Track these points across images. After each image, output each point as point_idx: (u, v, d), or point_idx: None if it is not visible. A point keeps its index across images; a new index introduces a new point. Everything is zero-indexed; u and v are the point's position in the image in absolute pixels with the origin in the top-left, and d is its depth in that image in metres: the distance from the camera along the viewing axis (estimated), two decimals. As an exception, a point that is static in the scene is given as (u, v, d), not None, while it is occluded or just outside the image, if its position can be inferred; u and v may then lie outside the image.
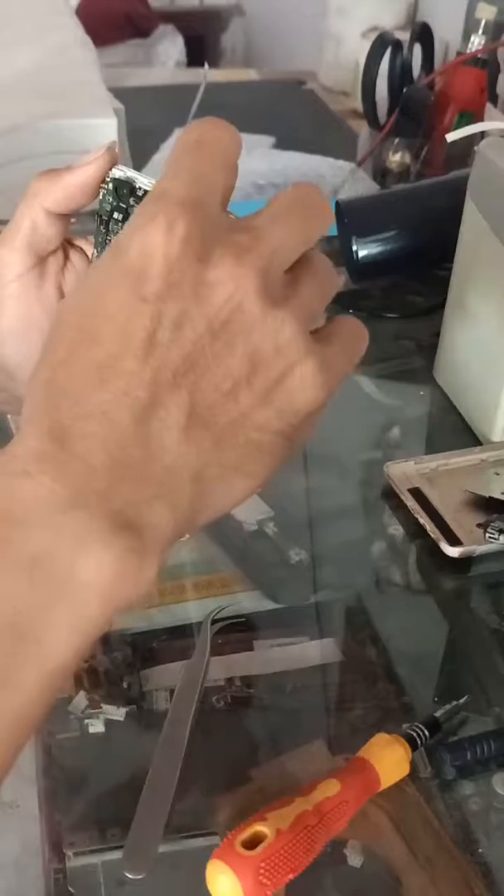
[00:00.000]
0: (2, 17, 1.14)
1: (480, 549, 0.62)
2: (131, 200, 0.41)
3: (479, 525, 0.64)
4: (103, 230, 0.42)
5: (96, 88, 1.04)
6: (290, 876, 0.43)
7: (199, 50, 2.26)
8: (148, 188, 0.40)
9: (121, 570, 0.31)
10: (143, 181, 0.41)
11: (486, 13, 1.09)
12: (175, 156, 0.36)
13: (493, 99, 1.13)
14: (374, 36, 1.13)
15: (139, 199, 0.41)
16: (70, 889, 0.46)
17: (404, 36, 1.14)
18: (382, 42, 1.09)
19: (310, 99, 1.43)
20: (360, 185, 1.08)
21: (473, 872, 0.47)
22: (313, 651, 0.57)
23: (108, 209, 0.41)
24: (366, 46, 1.12)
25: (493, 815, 0.50)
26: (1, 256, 0.44)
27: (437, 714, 0.52)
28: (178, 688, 0.53)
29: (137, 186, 0.41)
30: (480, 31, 1.10)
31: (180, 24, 2.25)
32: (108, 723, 0.53)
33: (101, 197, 0.41)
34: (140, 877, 0.45)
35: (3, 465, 0.32)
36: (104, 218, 0.42)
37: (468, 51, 1.10)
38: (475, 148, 0.72)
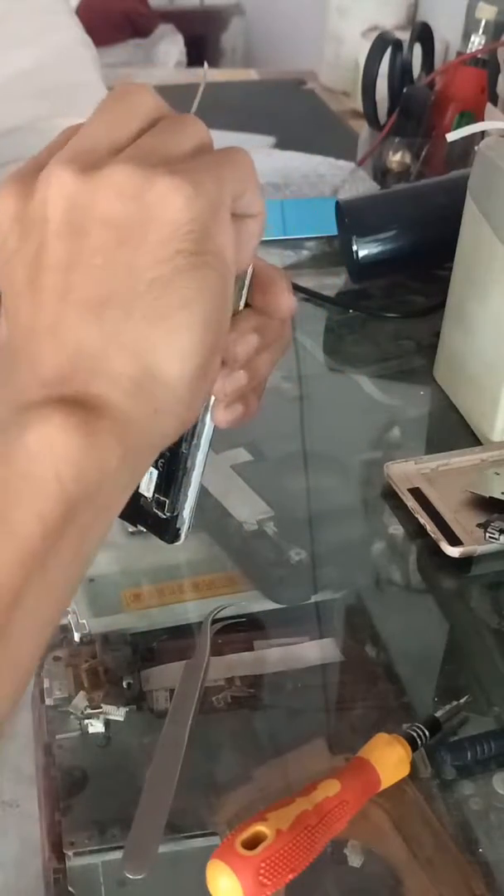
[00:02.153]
0: (1, 17, 1.14)
1: (481, 549, 0.62)
2: None
3: (479, 525, 0.64)
4: None
5: (96, 88, 1.04)
6: (291, 876, 0.43)
7: (199, 50, 2.26)
8: None
9: (65, 440, 0.32)
10: None
11: (486, 13, 1.09)
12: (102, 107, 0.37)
13: (493, 99, 1.13)
14: (374, 36, 1.13)
15: None
16: (70, 889, 0.46)
17: (404, 36, 1.14)
18: (382, 42, 1.09)
19: (310, 99, 1.43)
20: (360, 185, 1.08)
21: (473, 872, 0.47)
22: (313, 651, 0.57)
23: None
24: (366, 46, 1.12)
25: (493, 815, 0.50)
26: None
27: (438, 714, 0.52)
28: (178, 688, 0.53)
29: None
30: (480, 31, 1.10)
31: (180, 23, 2.25)
32: (108, 723, 0.53)
33: None
34: (140, 877, 0.45)
35: None
36: None
37: (468, 51, 1.10)
38: (475, 148, 0.72)
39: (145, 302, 0.34)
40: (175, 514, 0.43)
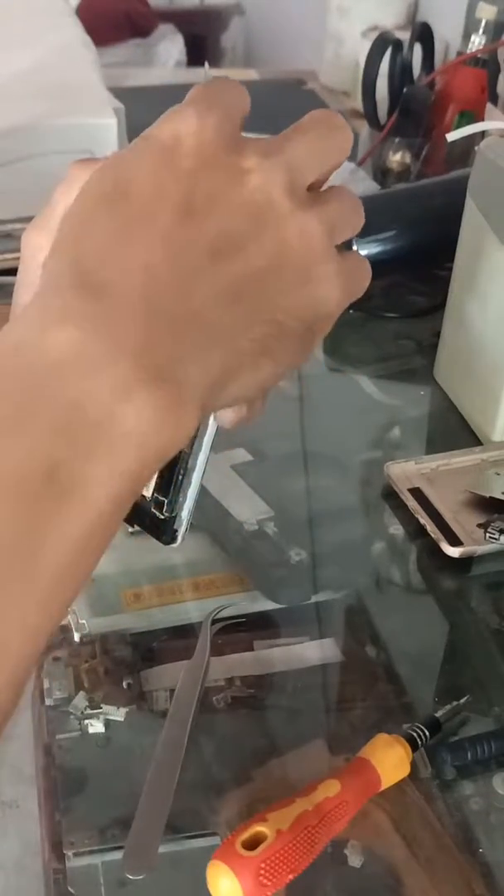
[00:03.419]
0: (2, 17, 1.14)
1: (481, 549, 0.62)
2: None
3: (479, 525, 0.64)
4: None
5: (96, 88, 1.04)
6: (291, 876, 0.43)
7: (200, 50, 2.26)
8: None
9: (160, 419, 0.32)
10: None
11: (486, 13, 1.09)
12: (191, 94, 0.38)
13: (494, 99, 1.13)
14: (374, 36, 1.13)
15: None
16: (70, 889, 0.46)
17: (404, 36, 1.14)
18: (383, 42, 1.09)
19: (310, 99, 1.43)
20: (360, 185, 1.08)
21: (473, 872, 0.47)
22: (313, 651, 0.57)
23: None
24: (366, 46, 1.12)
25: (493, 815, 0.50)
26: (31, 239, 0.43)
27: (438, 714, 0.52)
28: (178, 688, 0.53)
29: None
30: (481, 31, 1.10)
31: (180, 23, 2.25)
32: (108, 723, 0.53)
33: None
34: (140, 877, 0.45)
35: (38, 318, 0.32)
36: None
37: (468, 50, 1.10)
38: (475, 148, 0.72)
39: (263, 330, 0.36)
40: (174, 514, 0.43)
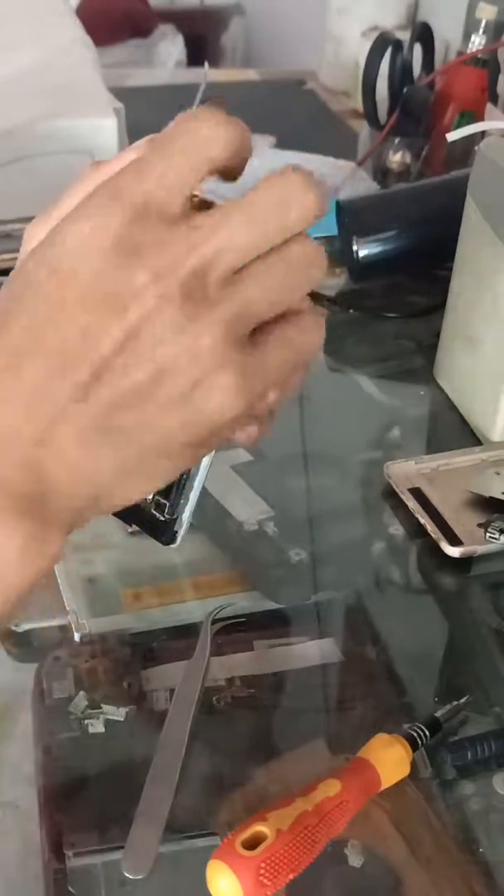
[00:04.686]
0: (2, 18, 1.14)
1: (481, 549, 0.62)
2: None
3: (479, 525, 0.64)
4: None
5: (96, 88, 1.04)
6: (291, 876, 0.43)
7: (200, 50, 2.26)
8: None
9: (21, 555, 0.33)
10: None
11: (486, 13, 1.09)
12: (150, 146, 0.35)
13: (494, 99, 1.13)
14: (374, 36, 1.13)
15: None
16: (70, 889, 0.46)
17: (405, 36, 1.14)
18: (383, 42, 1.09)
19: (310, 99, 1.43)
20: (360, 185, 1.08)
21: (474, 872, 0.47)
22: (313, 651, 0.57)
23: None
24: (366, 46, 1.12)
25: (493, 815, 0.50)
26: (33, 231, 0.41)
27: (438, 714, 0.52)
28: (178, 688, 0.53)
29: None
30: (481, 31, 1.10)
31: (180, 23, 2.25)
32: (108, 723, 0.53)
33: None
34: (140, 877, 0.45)
35: None
36: None
37: (468, 50, 1.10)
38: (476, 148, 0.72)
39: (138, 454, 0.35)
40: (174, 516, 0.43)
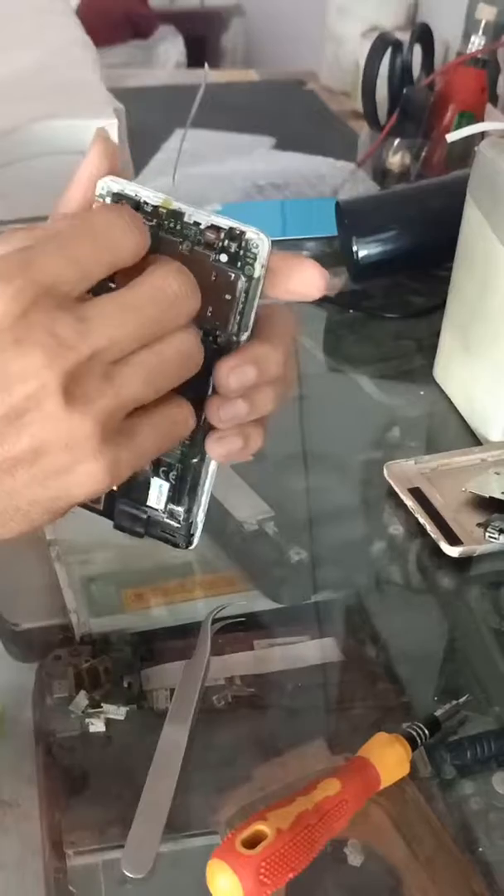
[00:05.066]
0: (2, 18, 1.14)
1: (480, 548, 0.62)
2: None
3: (479, 525, 0.64)
4: None
5: (96, 89, 1.04)
6: (291, 875, 0.43)
7: (200, 50, 2.26)
8: (156, 203, 0.39)
9: None
10: (147, 194, 0.39)
11: (486, 14, 1.09)
12: (74, 224, 0.36)
13: (493, 99, 1.13)
14: (374, 36, 1.13)
15: (149, 214, 0.39)
16: (70, 888, 0.46)
17: (404, 36, 1.14)
18: (382, 42, 1.09)
19: (310, 99, 1.43)
20: (360, 185, 1.08)
21: (473, 872, 0.47)
22: (313, 651, 0.57)
23: None
24: (366, 47, 1.12)
25: (493, 815, 0.50)
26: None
27: (438, 713, 0.52)
28: (179, 687, 0.53)
29: (142, 201, 0.39)
30: (480, 32, 1.10)
31: (180, 24, 2.25)
32: (109, 722, 0.53)
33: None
34: (139, 876, 0.45)
35: None
36: None
37: (468, 51, 1.10)
38: (475, 148, 0.72)
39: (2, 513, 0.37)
40: (189, 521, 0.44)
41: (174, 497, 0.44)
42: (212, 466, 0.43)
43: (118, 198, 0.39)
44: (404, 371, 0.83)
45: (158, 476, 0.43)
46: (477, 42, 1.10)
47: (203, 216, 0.38)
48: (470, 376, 0.75)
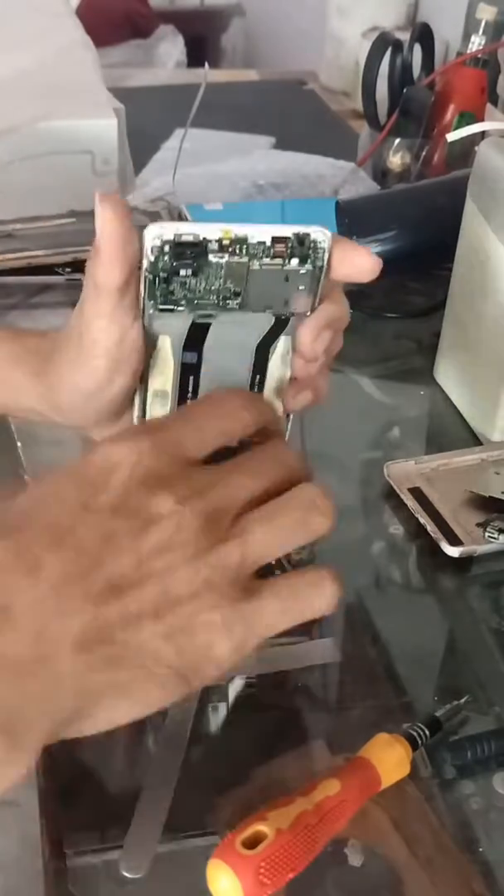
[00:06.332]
0: (2, 18, 1.14)
1: (481, 548, 0.62)
2: (203, 253, 0.39)
3: (478, 525, 0.64)
4: (163, 284, 0.40)
5: (96, 89, 1.04)
6: (291, 875, 0.43)
7: (200, 50, 2.26)
8: (218, 236, 0.39)
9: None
10: (207, 232, 0.39)
11: (486, 13, 1.09)
12: (205, 401, 0.40)
13: (494, 99, 1.13)
14: (374, 36, 1.13)
15: (215, 249, 0.39)
16: (70, 889, 0.46)
17: (404, 36, 1.14)
18: (383, 42, 1.09)
19: (310, 99, 1.43)
20: (360, 185, 1.08)
21: (473, 872, 0.47)
22: (313, 651, 0.57)
23: (168, 269, 0.39)
24: (366, 46, 1.12)
25: (493, 815, 0.50)
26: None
27: (438, 713, 0.52)
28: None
29: (204, 238, 0.39)
30: (481, 32, 1.10)
31: (180, 24, 2.25)
32: (109, 722, 0.53)
33: (152, 259, 0.39)
34: (138, 876, 0.45)
35: None
36: (161, 275, 0.39)
37: (468, 51, 1.10)
38: (475, 148, 0.72)
39: (127, 675, 0.35)
40: None
41: None
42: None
43: (180, 246, 0.39)
44: (404, 371, 0.83)
45: None
46: (477, 42, 1.10)
47: (265, 233, 0.39)
48: (470, 376, 0.75)
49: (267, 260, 0.40)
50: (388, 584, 0.64)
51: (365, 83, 1.12)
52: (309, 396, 0.46)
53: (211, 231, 0.39)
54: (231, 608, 0.36)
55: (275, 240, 0.39)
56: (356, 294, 0.90)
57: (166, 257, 0.39)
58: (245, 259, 0.39)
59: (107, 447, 0.36)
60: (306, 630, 0.59)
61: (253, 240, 0.39)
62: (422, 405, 0.80)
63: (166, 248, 0.38)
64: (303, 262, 0.40)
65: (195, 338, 0.42)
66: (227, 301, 0.41)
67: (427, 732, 0.51)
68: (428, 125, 1.10)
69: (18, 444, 0.71)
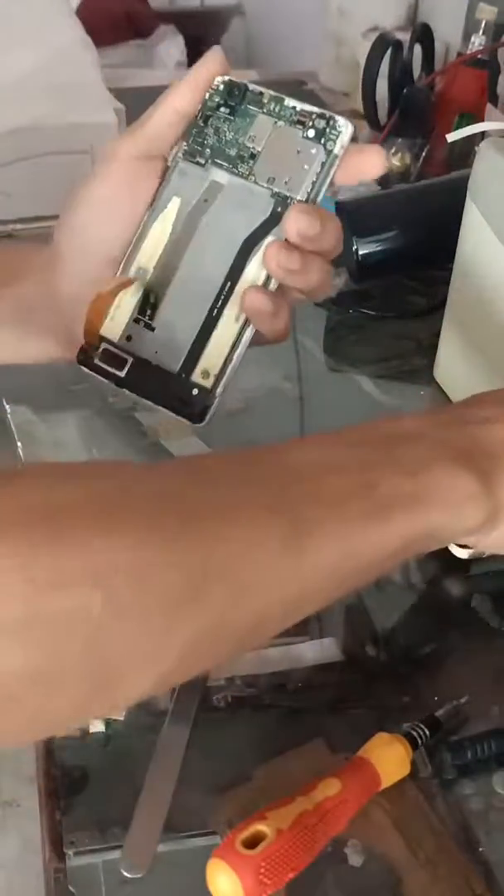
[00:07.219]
0: (2, 18, 1.14)
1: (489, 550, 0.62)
2: (244, 100, 0.48)
3: (479, 525, 0.63)
4: (200, 124, 0.48)
5: (97, 89, 1.04)
6: (291, 875, 0.43)
7: (200, 50, 2.25)
8: (262, 91, 0.47)
9: (465, 503, 0.40)
10: (254, 86, 0.48)
11: (486, 14, 1.09)
12: None
13: (494, 99, 1.13)
14: (374, 36, 1.13)
15: (254, 99, 0.47)
16: (70, 888, 0.46)
17: (405, 36, 1.14)
18: (383, 42, 1.09)
19: (310, 99, 1.43)
20: (360, 185, 1.08)
21: (474, 872, 0.47)
22: (313, 650, 0.57)
23: (215, 104, 0.48)
24: (366, 47, 1.12)
25: (493, 815, 0.50)
26: (120, 140, 0.50)
27: (438, 713, 0.52)
28: (178, 688, 0.53)
29: (251, 89, 0.48)
30: (481, 32, 1.10)
31: (181, 24, 2.25)
32: (109, 722, 0.53)
33: (206, 97, 0.48)
34: (138, 876, 0.45)
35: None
36: (207, 114, 0.48)
37: (468, 51, 1.10)
38: (475, 148, 0.72)
39: None
40: (213, 390, 0.46)
41: (211, 361, 0.46)
42: (247, 335, 0.46)
43: (230, 85, 0.48)
44: (404, 371, 0.83)
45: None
46: (477, 42, 1.10)
47: (300, 103, 0.47)
48: (470, 376, 0.75)
49: (289, 124, 0.47)
50: (388, 584, 0.64)
51: (365, 83, 1.12)
52: (267, 305, 0.46)
53: (257, 87, 0.48)
54: None
55: (304, 111, 0.47)
56: (356, 294, 0.91)
57: (217, 98, 0.48)
58: (273, 118, 0.47)
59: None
60: (306, 630, 0.59)
61: (288, 103, 0.47)
62: (422, 405, 0.80)
63: (220, 87, 0.48)
64: (318, 137, 0.46)
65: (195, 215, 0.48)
66: (242, 163, 0.47)
67: (427, 732, 0.51)
68: (428, 126, 1.10)
69: (18, 444, 0.71)
